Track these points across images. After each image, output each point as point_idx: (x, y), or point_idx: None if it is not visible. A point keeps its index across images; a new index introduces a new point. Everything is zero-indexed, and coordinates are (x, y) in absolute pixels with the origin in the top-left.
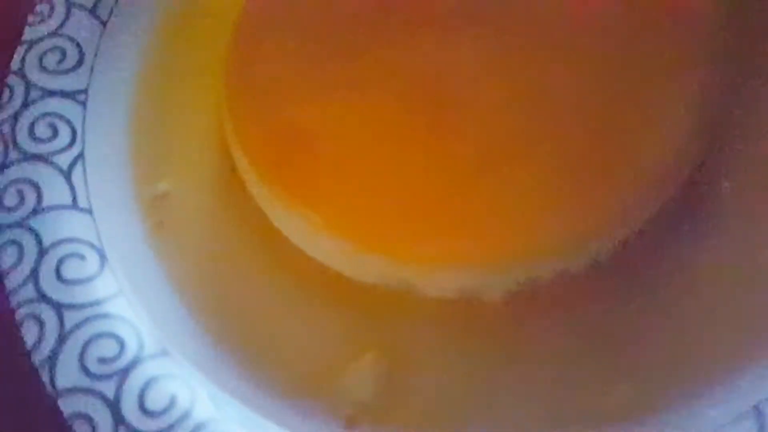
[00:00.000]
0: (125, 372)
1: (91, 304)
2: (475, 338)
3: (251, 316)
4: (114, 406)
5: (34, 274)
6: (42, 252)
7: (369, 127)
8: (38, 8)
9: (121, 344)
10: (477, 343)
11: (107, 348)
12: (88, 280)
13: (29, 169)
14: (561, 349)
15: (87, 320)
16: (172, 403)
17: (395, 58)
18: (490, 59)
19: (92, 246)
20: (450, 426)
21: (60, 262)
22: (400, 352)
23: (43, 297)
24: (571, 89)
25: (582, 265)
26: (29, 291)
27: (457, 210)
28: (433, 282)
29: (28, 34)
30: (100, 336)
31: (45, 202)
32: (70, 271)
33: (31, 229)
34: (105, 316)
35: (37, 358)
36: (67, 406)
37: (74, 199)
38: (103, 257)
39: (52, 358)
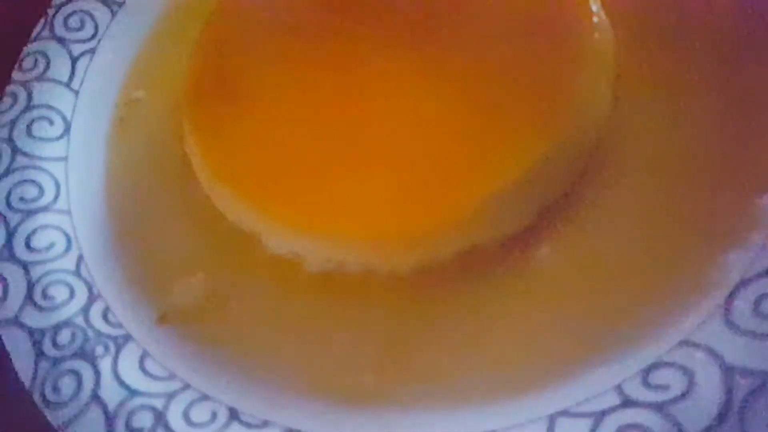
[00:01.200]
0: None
1: None
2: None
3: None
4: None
5: None
6: None
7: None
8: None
9: None
10: (300, 303)
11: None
12: None
13: None
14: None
15: None
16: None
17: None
18: (397, 74)
19: None
20: (248, 349)
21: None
22: (232, 284)
23: None
24: (469, 90)
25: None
26: None
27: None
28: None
29: None
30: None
31: None
32: None
33: None
34: None
35: None
36: None
37: None
38: None
39: None
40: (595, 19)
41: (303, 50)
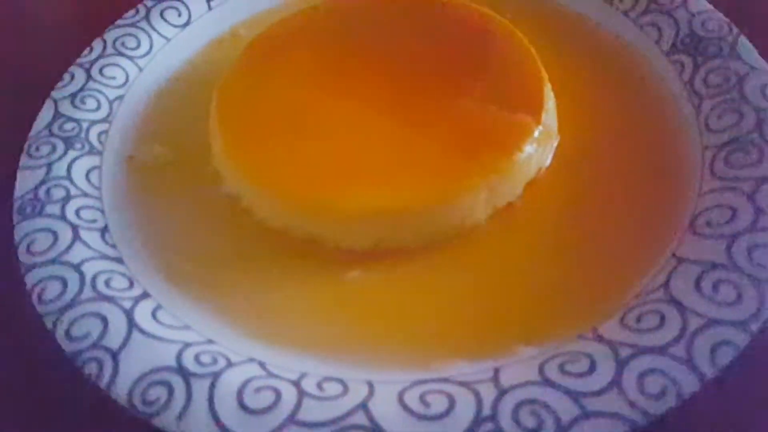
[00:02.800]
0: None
1: None
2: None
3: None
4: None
5: None
6: None
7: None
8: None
9: None
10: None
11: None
12: None
13: None
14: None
15: None
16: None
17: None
18: (385, 93)
19: None
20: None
21: None
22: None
23: None
24: (435, 103)
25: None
26: None
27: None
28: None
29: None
30: None
31: None
32: None
33: None
34: None
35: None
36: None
37: None
38: None
39: None
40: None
41: (308, 83)
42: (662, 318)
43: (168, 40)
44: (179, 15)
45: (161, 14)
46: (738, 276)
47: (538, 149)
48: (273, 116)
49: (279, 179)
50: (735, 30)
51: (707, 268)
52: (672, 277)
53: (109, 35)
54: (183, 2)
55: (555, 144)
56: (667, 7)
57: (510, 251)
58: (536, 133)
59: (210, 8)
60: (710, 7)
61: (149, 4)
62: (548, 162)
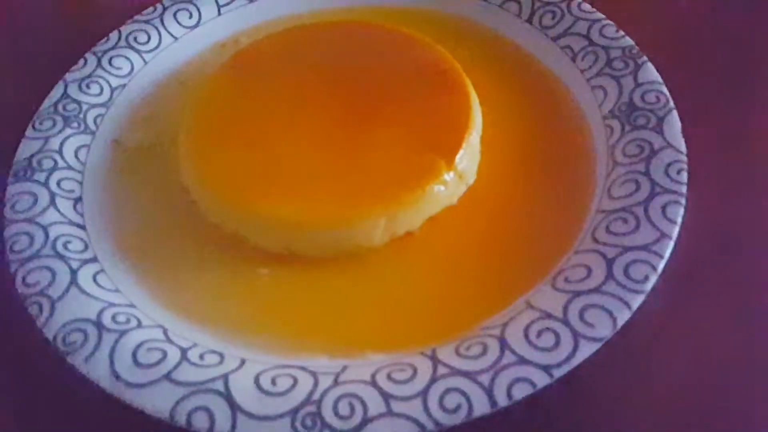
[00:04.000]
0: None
1: None
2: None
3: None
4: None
5: None
6: None
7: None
8: None
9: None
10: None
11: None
12: None
13: None
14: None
15: None
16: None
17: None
18: (327, 116)
19: None
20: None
21: None
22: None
23: None
24: (365, 130)
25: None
26: None
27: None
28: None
29: None
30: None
31: None
32: None
33: None
34: None
35: None
36: None
37: None
38: None
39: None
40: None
41: (267, 98)
42: (484, 349)
43: (176, 39)
44: (190, 17)
45: (174, 15)
46: (563, 328)
47: (446, 189)
48: (229, 123)
49: (213, 178)
50: (670, 104)
51: (543, 316)
52: (512, 320)
53: (126, 28)
54: (195, 5)
55: (469, 183)
56: (619, 72)
57: (393, 274)
58: (444, 176)
59: (219, 13)
60: (657, 79)
61: (166, 3)
62: (456, 200)
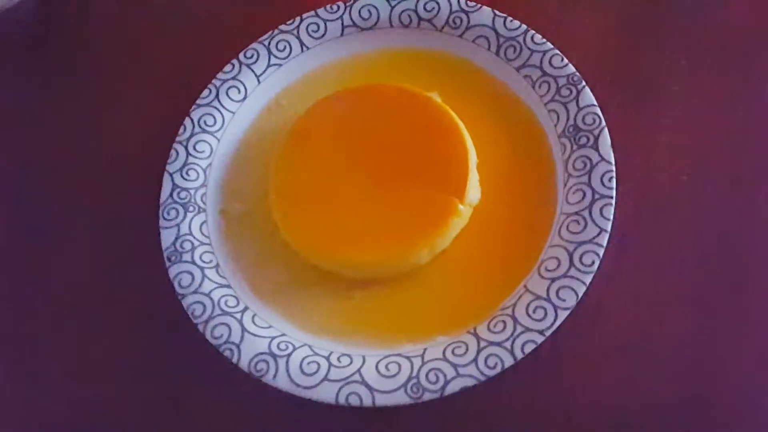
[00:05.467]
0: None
1: None
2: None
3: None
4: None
5: None
6: None
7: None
8: None
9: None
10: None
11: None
12: None
13: None
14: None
15: None
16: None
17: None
18: (369, 175)
19: None
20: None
21: None
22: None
23: None
24: (398, 185)
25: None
26: None
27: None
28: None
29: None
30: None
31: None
32: None
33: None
34: None
35: None
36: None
37: None
38: None
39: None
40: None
41: (326, 163)
42: (504, 325)
43: (233, 113)
44: (239, 92)
45: (226, 92)
46: (547, 305)
47: (463, 218)
48: (302, 189)
49: (305, 240)
50: (602, 124)
51: (536, 297)
52: (518, 302)
53: (194, 114)
54: (240, 80)
55: (474, 204)
56: (566, 99)
57: (439, 280)
58: (461, 209)
59: (259, 82)
60: (593, 102)
61: (217, 83)
62: (468, 219)
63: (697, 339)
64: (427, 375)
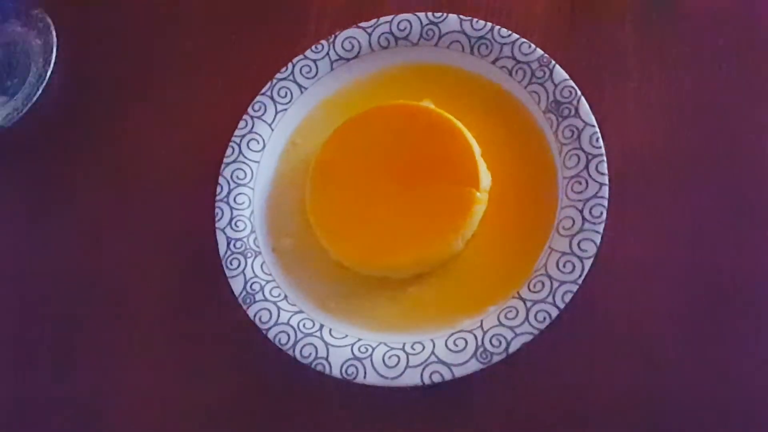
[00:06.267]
0: None
1: None
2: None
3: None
4: None
5: None
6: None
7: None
8: None
9: None
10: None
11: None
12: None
13: None
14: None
15: None
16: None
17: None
18: (399, 185)
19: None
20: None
21: None
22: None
23: None
24: (426, 188)
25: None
26: None
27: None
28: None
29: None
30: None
31: None
32: None
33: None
34: None
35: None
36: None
37: None
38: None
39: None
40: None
41: (362, 180)
42: (543, 284)
43: (258, 162)
44: (258, 143)
45: (248, 146)
46: (573, 258)
47: (482, 203)
48: (339, 212)
49: (356, 257)
50: (579, 94)
51: (561, 254)
52: (547, 261)
53: (226, 172)
54: (256, 132)
55: (488, 188)
56: (542, 79)
57: (477, 261)
58: (479, 196)
59: (272, 129)
60: (566, 76)
61: (237, 140)
62: (486, 203)
63: (686, 327)
64: (491, 341)
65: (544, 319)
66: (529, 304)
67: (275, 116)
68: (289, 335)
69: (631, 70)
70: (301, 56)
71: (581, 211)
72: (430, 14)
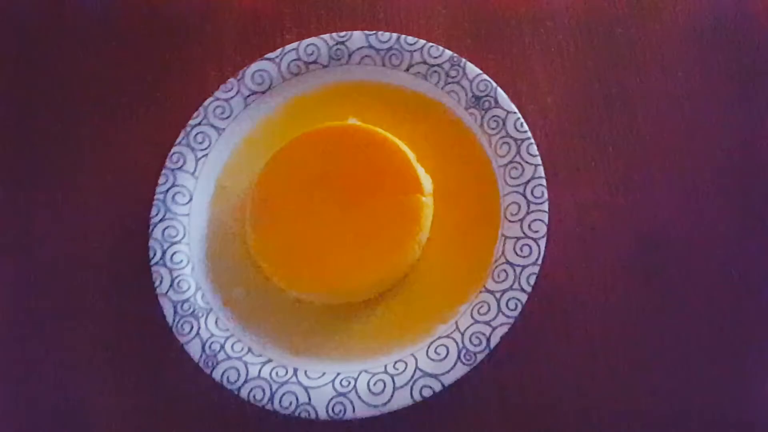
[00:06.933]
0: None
1: None
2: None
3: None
4: None
5: None
6: None
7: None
8: None
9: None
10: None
11: None
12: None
13: None
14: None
15: None
16: None
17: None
18: (339, 206)
19: None
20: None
21: None
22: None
23: None
24: (372, 204)
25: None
26: None
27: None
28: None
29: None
30: None
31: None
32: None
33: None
34: None
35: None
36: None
37: None
38: None
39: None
40: (425, 199)
41: (310, 188)
42: (506, 274)
43: (188, 215)
44: (183, 195)
45: (173, 199)
46: (528, 240)
47: (429, 206)
48: (290, 249)
49: (320, 291)
50: (493, 85)
51: (516, 239)
52: (504, 249)
53: (156, 232)
54: (180, 185)
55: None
56: (456, 78)
57: (437, 264)
58: (425, 200)
59: (196, 178)
60: (478, 71)
61: (160, 197)
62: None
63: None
64: (470, 340)
65: (516, 306)
66: (498, 294)
67: (196, 164)
68: (263, 389)
69: (522, 52)
70: (211, 98)
71: (524, 195)
72: (334, 35)
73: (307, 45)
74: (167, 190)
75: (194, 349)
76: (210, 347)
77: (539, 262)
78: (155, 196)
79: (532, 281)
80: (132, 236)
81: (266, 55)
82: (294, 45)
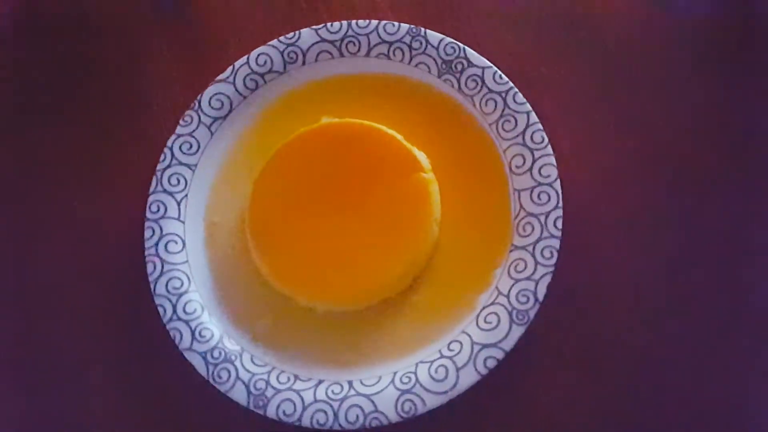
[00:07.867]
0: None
1: None
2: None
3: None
4: None
5: None
6: None
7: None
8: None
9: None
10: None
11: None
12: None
13: None
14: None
15: None
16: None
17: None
18: (340, 211)
19: None
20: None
21: None
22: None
23: None
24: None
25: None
26: None
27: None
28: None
29: None
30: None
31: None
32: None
33: None
34: None
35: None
36: None
37: None
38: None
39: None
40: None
41: (307, 198)
42: (532, 226)
43: (186, 262)
44: (176, 243)
45: (166, 249)
46: (543, 187)
47: (433, 183)
48: (299, 266)
49: (331, 301)
50: (461, 46)
51: (530, 189)
52: (522, 203)
53: (159, 288)
54: (170, 233)
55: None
56: (420, 49)
57: (452, 251)
58: (426, 176)
59: (183, 222)
60: (441, 36)
61: (152, 251)
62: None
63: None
64: (518, 299)
65: (552, 254)
66: (530, 248)
67: (179, 208)
68: (325, 411)
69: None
70: (173, 136)
71: (524, 144)
72: (282, 38)
73: (258, 55)
74: (157, 243)
75: (239, 395)
76: (255, 387)
77: (560, 204)
78: (146, 251)
79: (560, 225)
80: (132, 239)
81: (217, 78)
82: (243, 60)
